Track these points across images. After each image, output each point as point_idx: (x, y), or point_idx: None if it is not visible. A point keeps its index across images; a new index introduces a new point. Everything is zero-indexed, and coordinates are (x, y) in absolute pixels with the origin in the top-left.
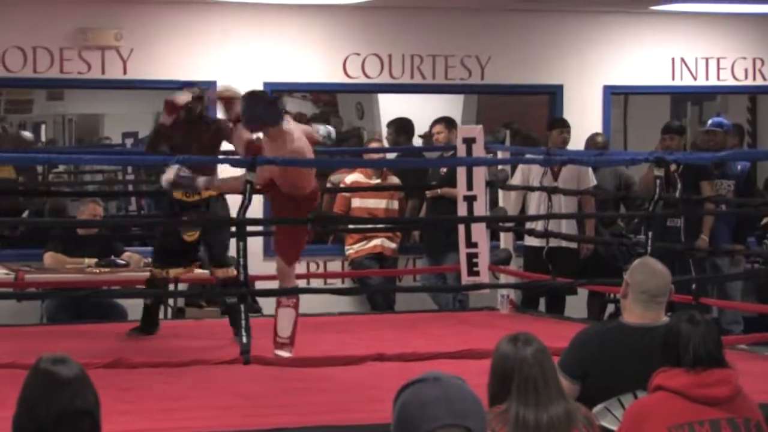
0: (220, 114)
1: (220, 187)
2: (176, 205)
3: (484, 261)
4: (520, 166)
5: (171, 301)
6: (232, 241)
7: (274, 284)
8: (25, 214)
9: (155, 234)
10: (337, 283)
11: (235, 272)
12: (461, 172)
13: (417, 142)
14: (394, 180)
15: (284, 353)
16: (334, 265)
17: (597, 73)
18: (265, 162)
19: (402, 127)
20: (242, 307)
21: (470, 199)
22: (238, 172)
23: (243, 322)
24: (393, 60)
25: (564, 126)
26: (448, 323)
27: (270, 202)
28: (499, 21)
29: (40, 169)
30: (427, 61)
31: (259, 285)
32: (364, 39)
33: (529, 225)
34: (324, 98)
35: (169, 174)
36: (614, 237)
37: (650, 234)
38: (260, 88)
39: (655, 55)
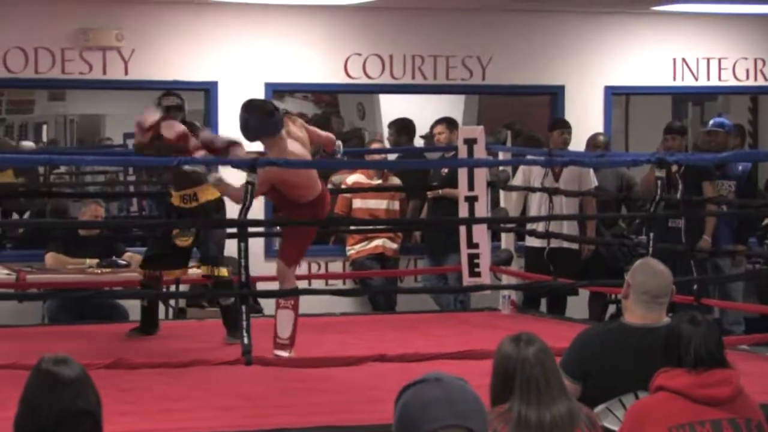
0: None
1: (226, 190)
2: (174, 212)
3: (485, 262)
4: (522, 167)
5: (172, 302)
6: (233, 242)
7: (275, 285)
8: (27, 215)
9: (149, 237)
10: (338, 283)
11: (226, 273)
12: (462, 173)
13: (418, 142)
14: (396, 181)
15: (283, 353)
16: (336, 266)
17: (598, 73)
18: (266, 163)
19: (403, 127)
20: (243, 307)
21: (471, 200)
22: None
23: (244, 323)
24: (394, 60)
25: (565, 127)
26: (450, 324)
27: (277, 207)
28: (500, 21)
29: (41, 170)
30: (428, 62)
31: (261, 286)
32: (366, 39)
33: (530, 226)
34: (325, 99)
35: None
36: (615, 238)
37: (651, 235)
38: (261, 88)
39: (656, 56)
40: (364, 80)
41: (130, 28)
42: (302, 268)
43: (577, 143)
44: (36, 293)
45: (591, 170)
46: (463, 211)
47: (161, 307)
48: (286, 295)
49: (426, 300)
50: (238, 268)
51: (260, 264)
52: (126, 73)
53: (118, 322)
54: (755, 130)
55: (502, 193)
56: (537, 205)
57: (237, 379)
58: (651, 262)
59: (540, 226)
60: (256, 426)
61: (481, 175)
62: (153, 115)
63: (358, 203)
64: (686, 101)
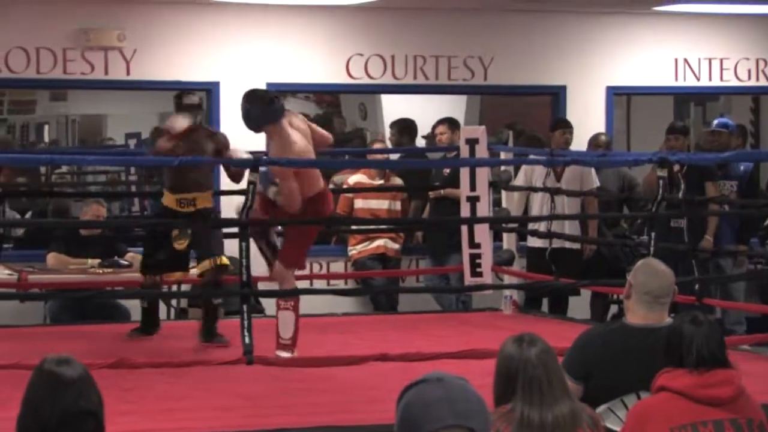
0: None
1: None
2: (167, 214)
3: (487, 262)
4: (523, 167)
5: (174, 302)
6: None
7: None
8: (29, 214)
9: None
10: (340, 283)
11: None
12: (464, 173)
13: (420, 142)
14: (397, 181)
15: (286, 354)
16: (337, 266)
17: (600, 73)
18: (268, 163)
19: (405, 127)
20: (245, 307)
21: (473, 200)
22: None
23: (245, 323)
24: (396, 60)
25: (566, 127)
26: (451, 324)
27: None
28: (501, 22)
29: (43, 169)
30: (430, 62)
31: (262, 286)
32: (367, 40)
33: (532, 226)
34: (327, 99)
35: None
36: (617, 238)
37: (653, 235)
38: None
39: (658, 56)
40: (366, 80)
41: (132, 28)
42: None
43: (579, 143)
44: (37, 293)
45: (593, 170)
46: (464, 211)
47: (163, 308)
48: (287, 296)
49: (428, 300)
50: (240, 267)
51: (261, 264)
52: (128, 73)
53: (119, 322)
54: (757, 130)
55: (503, 193)
56: (539, 205)
57: (238, 379)
58: (653, 262)
59: (542, 226)
60: (257, 426)
61: (483, 175)
62: (183, 123)
63: (359, 203)
64: (688, 101)
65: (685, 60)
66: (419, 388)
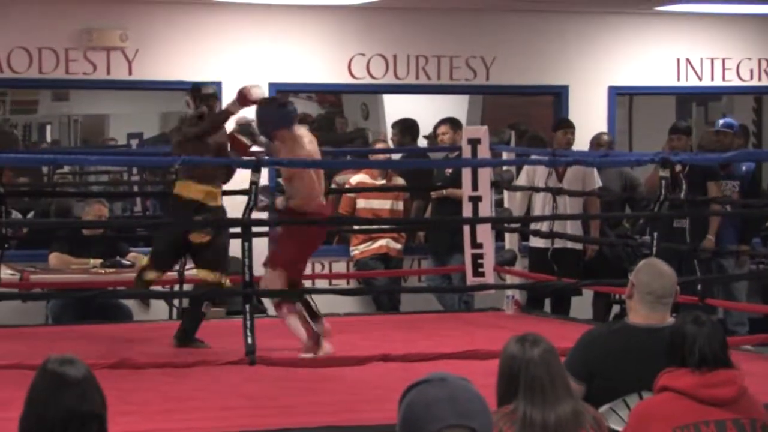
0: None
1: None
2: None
3: (489, 262)
4: (525, 167)
5: (176, 302)
6: (237, 242)
7: None
8: (31, 214)
9: (157, 235)
10: (342, 283)
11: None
12: (466, 173)
13: (421, 142)
14: (399, 181)
15: (308, 354)
16: (339, 266)
17: (602, 73)
18: (272, 163)
19: (407, 127)
20: (247, 307)
21: (475, 200)
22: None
23: (248, 323)
24: (398, 60)
25: (568, 127)
26: (454, 324)
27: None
28: (503, 22)
29: (45, 169)
30: (432, 62)
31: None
32: (369, 40)
33: (534, 226)
34: (329, 99)
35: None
36: (619, 238)
37: (655, 235)
38: (265, 88)
39: (660, 56)
40: (368, 80)
41: (134, 28)
42: (306, 268)
43: (581, 143)
44: (40, 293)
45: (595, 170)
46: (467, 211)
47: (164, 307)
48: (289, 295)
49: (430, 300)
50: (242, 267)
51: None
52: (130, 73)
53: (121, 322)
54: (759, 130)
55: (506, 193)
56: (541, 205)
57: (241, 379)
58: (655, 262)
59: (544, 227)
60: (259, 426)
61: (485, 175)
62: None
63: (362, 203)
64: (690, 101)
65: (687, 60)
66: (421, 388)
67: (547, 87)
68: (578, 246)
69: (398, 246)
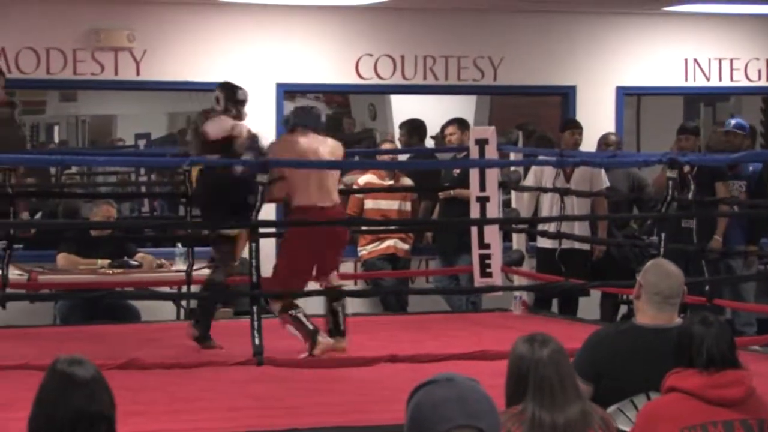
0: None
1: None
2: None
3: (496, 262)
4: (533, 168)
5: (183, 302)
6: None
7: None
8: (39, 215)
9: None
10: (349, 284)
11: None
12: (474, 174)
13: (429, 143)
14: (407, 181)
15: (303, 355)
16: (347, 267)
17: (610, 74)
18: (277, 164)
19: (414, 128)
20: (255, 308)
21: (483, 201)
22: None
23: (255, 323)
24: (405, 61)
25: (576, 127)
26: (461, 324)
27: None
28: (511, 22)
29: (53, 170)
30: (439, 62)
31: None
32: (377, 40)
33: (541, 226)
34: (337, 99)
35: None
36: (627, 238)
37: (663, 235)
38: (273, 88)
39: (668, 56)
40: (376, 81)
41: (142, 28)
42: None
43: (589, 144)
44: (48, 294)
45: (602, 171)
46: (474, 212)
47: (172, 308)
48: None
49: (437, 301)
50: (250, 268)
51: (271, 265)
52: (138, 73)
53: (129, 322)
54: (767, 130)
55: (513, 193)
56: (548, 205)
57: (248, 379)
58: (663, 262)
59: (551, 227)
60: (267, 426)
61: (493, 175)
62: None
63: (369, 204)
64: (698, 102)
65: (695, 60)
66: (429, 388)
67: (555, 87)
68: (586, 246)
69: (406, 246)
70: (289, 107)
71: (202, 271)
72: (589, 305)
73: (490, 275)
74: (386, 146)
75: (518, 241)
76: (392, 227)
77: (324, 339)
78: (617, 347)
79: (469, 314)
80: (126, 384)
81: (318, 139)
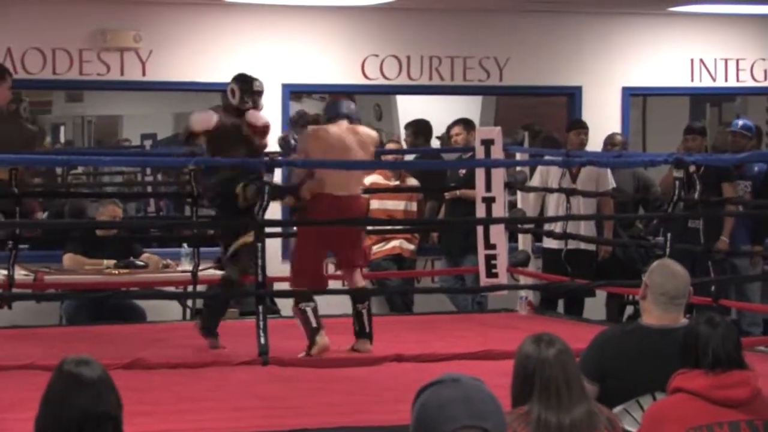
0: None
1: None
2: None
3: (502, 262)
4: (539, 168)
5: (189, 302)
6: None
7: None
8: (45, 215)
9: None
10: None
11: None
12: (480, 174)
13: (435, 143)
14: (413, 182)
15: (300, 354)
16: None
17: (616, 74)
18: (282, 164)
19: (420, 128)
20: (260, 308)
21: (489, 201)
22: None
23: (261, 323)
24: (411, 61)
25: (581, 127)
26: (467, 324)
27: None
28: (517, 22)
29: (59, 170)
30: (445, 63)
31: (277, 286)
32: (383, 40)
33: (547, 227)
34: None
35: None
36: (632, 239)
37: (669, 236)
38: (279, 89)
39: (673, 57)
40: (382, 81)
41: (148, 29)
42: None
43: (595, 144)
44: (54, 294)
45: (608, 171)
46: (480, 212)
47: (178, 308)
48: (300, 297)
49: (443, 301)
50: (255, 268)
51: (277, 264)
52: (144, 74)
53: (135, 322)
54: None
55: (519, 193)
56: (554, 206)
57: (254, 379)
58: (668, 263)
59: (557, 227)
60: (272, 426)
61: (499, 176)
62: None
63: (375, 204)
64: (704, 102)
65: (701, 60)
66: (435, 388)
67: (561, 88)
68: (591, 247)
69: (411, 247)
70: (294, 107)
71: (207, 271)
72: (595, 306)
73: (495, 275)
74: (392, 146)
75: (524, 241)
76: (398, 227)
77: (322, 339)
78: (623, 347)
79: (475, 314)
80: (132, 384)
81: (350, 128)
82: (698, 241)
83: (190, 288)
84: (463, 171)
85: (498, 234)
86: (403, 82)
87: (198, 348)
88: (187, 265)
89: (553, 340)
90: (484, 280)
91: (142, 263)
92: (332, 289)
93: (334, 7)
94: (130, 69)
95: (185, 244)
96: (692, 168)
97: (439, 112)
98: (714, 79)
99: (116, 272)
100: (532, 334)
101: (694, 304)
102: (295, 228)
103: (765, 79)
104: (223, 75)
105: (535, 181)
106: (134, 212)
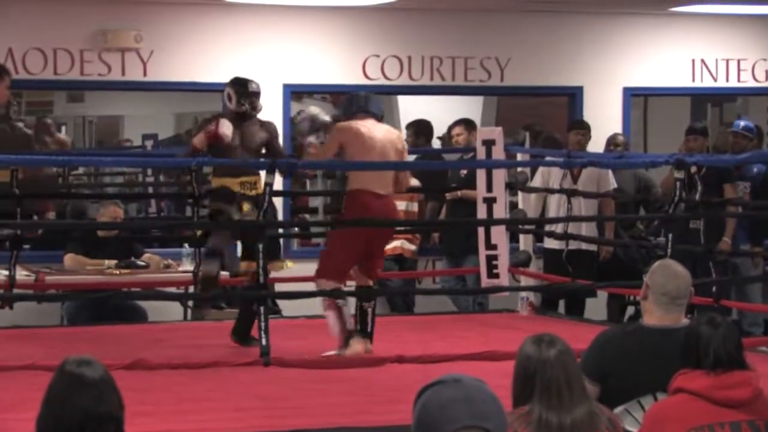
0: None
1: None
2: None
3: (503, 263)
4: (540, 169)
5: (190, 302)
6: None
7: (293, 286)
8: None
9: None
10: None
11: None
12: (481, 174)
13: (436, 143)
14: (414, 182)
15: (330, 352)
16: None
17: (617, 74)
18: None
19: (421, 129)
20: (262, 309)
21: (490, 201)
22: None
23: (262, 324)
24: (412, 61)
25: (581, 128)
26: (468, 325)
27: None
28: (518, 23)
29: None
30: (446, 63)
31: (279, 287)
32: (384, 40)
33: (548, 227)
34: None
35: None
36: (634, 239)
37: (670, 236)
38: (280, 89)
39: (675, 57)
40: (383, 81)
41: (149, 29)
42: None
43: (596, 145)
44: (55, 294)
45: (610, 172)
46: (481, 213)
47: (179, 309)
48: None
49: (444, 301)
50: (257, 269)
51: None
52: (145, 74)
53: (136, 323)
54: None
55: (520, 194)
56: (555, 206)
57: (256, 380)
58: (670, 263)
59: (558, 228)
60: (273, 427)
61: (500, 176)
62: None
63: None
64: (705, 102)
65: (702, 61)
66: (436, 389)
67: (562, 88)
68: (593, 247)
69: (413, 247)
70: (295, 108)
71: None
72: (596, 306)
73: (497, 276)
74: None
75: (525, 242)
76: (399, 228)
77: (357, 345)
78: (624, 348)
79: (476, 315)
80: (133, 384)
81: (381, 127)
82: (699, 242)
83: (191, 288)
84: (464, 171)
85: (499, 234)
86: (404, 83)
87: (199, 348)
88: (188, 266)
89: (554, 341)
90: (485, 281)
91: (143, 263)
92: (333, 291)
93: (335, 8)
94: (131, 69)
95: (186, 245)
96: (693, 169)
97: (440, 113)
98: (715, 80)
99: (117, 273)
100: (533, 334)
101: (696, 304)
102: (295, 228)
103: (766, 79)
104: (224, 75)
105: (537, 181)
106: (135, 213)
